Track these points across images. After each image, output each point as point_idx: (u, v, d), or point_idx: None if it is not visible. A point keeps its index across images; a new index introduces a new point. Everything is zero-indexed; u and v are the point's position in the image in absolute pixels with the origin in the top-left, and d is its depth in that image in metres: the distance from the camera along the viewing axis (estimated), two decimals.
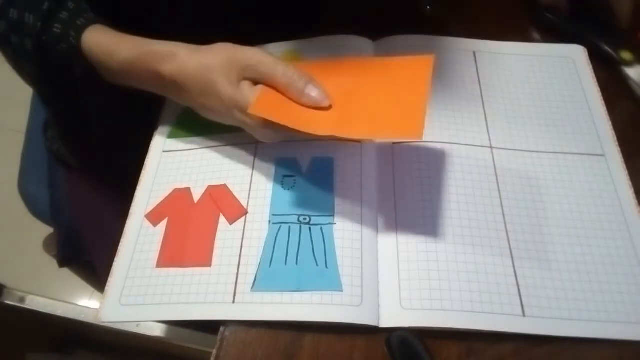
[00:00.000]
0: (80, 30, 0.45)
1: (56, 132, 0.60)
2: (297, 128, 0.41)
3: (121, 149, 0.58)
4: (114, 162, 0.60)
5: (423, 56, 0.45)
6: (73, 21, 0.45)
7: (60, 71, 0.47)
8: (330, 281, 0.42)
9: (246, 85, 0.43)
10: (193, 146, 0.52)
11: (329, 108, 0.43)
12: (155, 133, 0.54)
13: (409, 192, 0.47)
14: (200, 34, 0.46)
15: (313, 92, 0.43)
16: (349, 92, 0.44)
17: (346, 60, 0.48)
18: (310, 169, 0.48)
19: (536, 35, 0.61)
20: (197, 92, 0.45)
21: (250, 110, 0.42)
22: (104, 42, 0.45)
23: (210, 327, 0.42)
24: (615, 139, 0.51)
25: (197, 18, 0.56)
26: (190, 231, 0.46)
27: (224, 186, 0.49)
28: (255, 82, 0.44)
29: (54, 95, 0.50)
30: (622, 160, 0.50)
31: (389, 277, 0.43)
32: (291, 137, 0.46)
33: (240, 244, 0.45)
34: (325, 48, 0.57)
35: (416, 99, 0.41)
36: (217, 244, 0.45)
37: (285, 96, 0.43)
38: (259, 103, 0.42)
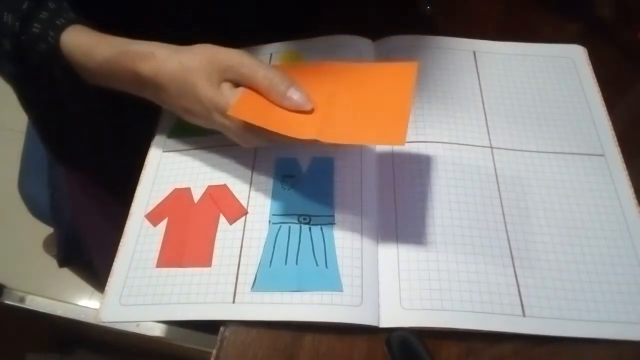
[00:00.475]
0: (60, 30, 0.44)
1: (38, 133, 0.59)
2: (277, 131, 0.40)
3: (117, 149, 0.57)
4: (113, 163, 0.60)
5: (407, 63, 0.44)
6: (52, 21, 0.44)
7: (40, 72, 0.46)
8: (330, 281, 0.42)
9: (226, 87, 0.42)
10: (193, 146, 0.52)
11: (311, 112, 0.42)
12: (155, 133, 0.54)
13: (409, 192, 0.47)
14: (197, 34, 0.45)
15: (295, 95, 0.42)
16: (332, 97, 0.43)
17: (331, 65, 0.47)
18: (310, 169, 0.48)
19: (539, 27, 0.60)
20: (175, 93, 0.44)
21: (230, 113, 0.41)
22: (82, 42, 0.45)
23: (210, 327, 0.42)
24: (615, 139, 0.51)
25: (195, 18, 0.56)
26: (190, 231, 0.46)
27: (224, 186, 0.49)
28: (237, 85, 0.43)
29: (34, 97, 0.49)
30: (622, 160, 0.50)
31: (389, 277, 0.43)
32: (272, 142, 0.45)
33: (240, 244, 0.45)
34: (325, 48, 0.57)
35: (399, 105, 0.41)
36: (217, 244, 0.45)
37: (267, 99, 0.42)
38: (239, 105, 0.41)
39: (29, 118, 0.52)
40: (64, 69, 0.46)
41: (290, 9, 0.60)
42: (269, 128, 0.40)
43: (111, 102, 0.51)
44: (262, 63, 0.43)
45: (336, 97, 0.43)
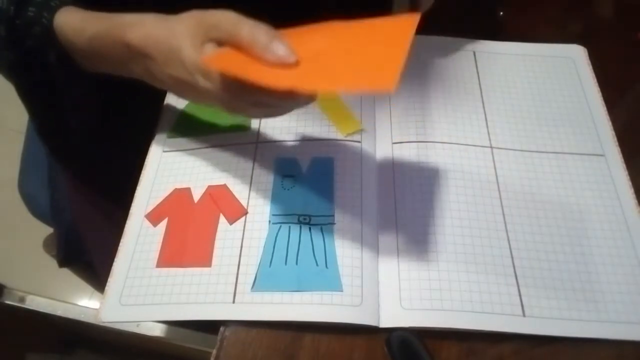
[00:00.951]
0: (53, 11, 0.43)
1: (34, 125, 0.58)
2: (256, 81, 0.36)
3: (119, 149, 0.57)
4: (113, 162, 0.60)
5: (408, 14, 0.40)
6: (47, 3, 0.44)
7: (35, 57, 0.45)
8: (330, 281, 0.42)
9: (209, 47, 0.39)
10: (193, 146, 0.52)
11: (294, 65, 0.38)
12: (155, 133, 0.54)
13: (409, 192, 0.47)
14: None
15: (278, 48, 0.38)
16: (320, 51, 0.39)
17: (324, 24, 0.43)
18: (310, 169, 0.48)
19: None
20: (162, 60, 0.42)
21: (205, 60, 0.38)
22: (73, 21, 0.44)
23: (210, 327, 0.42)
24: (615, 139, 0.51)
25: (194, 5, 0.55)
26: (190, 231, 0.46)
27: (224, 186, 0.49)
28: (220, 44, 0.40)
29: (29, 85, 0.48)
30: (622, 160, 0.50)
31: (389, 277, 0.43)
32: (258, 105, 0.41)
33: (240, 244, 0.45)
34: None
35: (393, 52, 0.36)
36: (217, 244, 0.45)
37: (250, 56, 0.38)
38: (216, 57, 0.38)
39: (26, 109, 0.52)
40: (58, 53, 0.45)
41: (291, 7, 0.60)
42: (247, 78, 0.36)
43: (110, 100, 0.51)
44: (247, 19, 0.40)
45: (324, 50, 0.40)
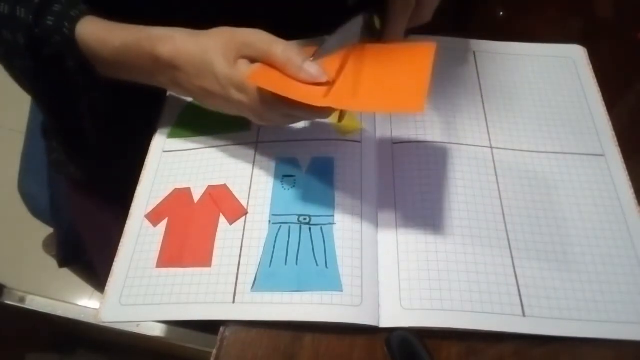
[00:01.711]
0: (74, 21, 0.44)
1: (52, 135, 0.59)
2: (294, 98, 0.39)
3: (120, 149, 0.57)
4: (113, 162, 0.60)
5: (425, 43, 0.44)
6: (67, 13, 0.44)
7: (53, 66, 0.46)
8: (330, 281, 0.42)
9: (243, 63, 0.42)
10: (193, 146, 0.52)
11: (327, 84, 0.41)
12: (155, 133, 0.54)
13: (409, 192, 0.47)
14: (189, 24, 0.45)
15: (311, 68, 0.41)
16: (350, 71, 0.43)
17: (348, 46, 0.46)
18: (310, 169, 0.48)
19: None
20: (193, 73, 0.44)
21: (249, 78, 0.41)
22: (98, 30, 0.45)
23: (210, 327, 0.42)
24: (615, 139, 0.51)
25: (194, 13, 0.55)
26: (190, 231, 0.46)
27: (224, 186, 0.49)
28: (253, 61, 0.43)
29: (46, 93, 0.49)
30: (622, 160, 0.50)
31: (389, 277, 0.43)
32: (290, 117, 0.45)
33: (240, 244, 0.45)
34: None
35: (418, 77, 0.40)
36: (217, 244, 0.45)
37: (283, 73, 0.42)
38: (257, 73, 0.41)
39: (42, 113, 0.52)
40: (78, 61, 0.46)
41: (294, 8, 0.60)
42: (287, 95, 0.39)
43: (112, 100, 0.51)
44: (278, 39, 0.43)
45: (353, 71, 0.43)
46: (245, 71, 0.42)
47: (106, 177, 0.64)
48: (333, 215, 0.45)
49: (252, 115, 0.44)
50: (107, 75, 0.48)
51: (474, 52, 0.58)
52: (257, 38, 0.42)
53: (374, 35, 0.49)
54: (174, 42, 0.44)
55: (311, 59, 0.42)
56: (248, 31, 0.43)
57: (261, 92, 0.41)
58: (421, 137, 0.50)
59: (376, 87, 0.42)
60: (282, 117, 0.44)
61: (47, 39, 0.44)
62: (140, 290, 0.43)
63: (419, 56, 0.43)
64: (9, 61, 0.47)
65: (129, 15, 0.47)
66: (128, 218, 0.49)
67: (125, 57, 0.46)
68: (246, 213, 0.47)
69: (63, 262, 0.72)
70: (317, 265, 0.43)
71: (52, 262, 0.73)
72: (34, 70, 0.46)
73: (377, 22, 0.49)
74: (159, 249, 0.46)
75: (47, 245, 0.81)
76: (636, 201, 0.47)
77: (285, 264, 0.43)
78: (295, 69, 0.41)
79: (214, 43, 0.43)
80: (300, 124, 0.51)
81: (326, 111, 0.42)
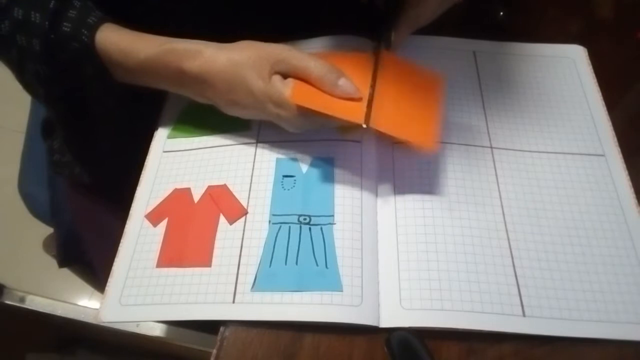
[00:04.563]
0: (93, 28, 0.44)
1: (60, 138, 0.59)
2: (335, 115, 0.43)
3: (120, 149, 0.57)
4: (113, 163, 0.60)
5: (435, 73, 0.49)
6: (84, 19, 0.44)
7: (70, 71, 0.46)
8: (330, 281, 0.42)
9: (277, 79, 0.44)
10: (193, 146, 0.52)
11: (359, 100, 0.45)
12: (155, 133, 0.54)
13: (408, 192, 0.47)
14: (197, 35, 0.45)
15: (345, 85, 0.44)
16: (378, 92, 0.46)
17: (362, 56, 0.50)
18: (310, 169, 0.48)
19: None
20: (224, 88, 0.45)
21: (292, 99, 0.43)
22: (119, 41, 0.45)
23: (210, 327, 0.42)
24: (615, 139, 0.51)
25: (195, 15, 0.56)
26: (190, 231, 0.46)
27: (224, 186, 0.49)
28: (285, 76, 0.45)
29: (61, 99, 0.49)
30: (622, 160, 0.50)
31: (389, 277, 0.43)
32: (323, 126, 0.48)
33: (240, 244, 0.45)
34: (325, 48, 0.57)
35: (431, 114, 0.46)
36: (217, 244, 0.45)
37: (318, 88, 0.44)
38: (297, 93, 0.44)
39: (53, 118, 0.52)
40: (97, 68, 0.46)
41: (291, 7, 0.60)
42: (328, 113, 0.43)
43: (125, 103, 0.51)
44: (309, 54, 0.45)
45: (379, 92, 0.46)
46: (281, 87, 0.44)
47: (106, 178, 0.64)
48: (333, 215, 0.45)
49: (287, 125, 0.47)
50: (125, 82, 0.48)
51: (474, 52, 0.58)
52: (290, 54, 0.44)
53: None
54: (203, 57, 0.45)
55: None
56: (279, 47, 0.45)
57: (301, 108, 0.44)
58: None
59: (398, 112, 0.46)
60: (318, 126, 0.48)
61: (65, 45, 0.44)
62: (140, 290, 0.43)
63: (431, 84, 0.48)
64: (22, 66, 0.47)
65: (134, 21, 0.47)
66: (128, 218, 0.49)
67: (151, 69, 0.46)
68: (246, 213, 0.47)
69: (63, 262, 0.72)
70: (317, 265, 0.43)
71: (52, 262, 0.73)
72: (50, 75, 0.46)
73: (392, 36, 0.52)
74: (159, 249, 0.46)
75: (47, 245, 0.81)
76: (636, 201, 0.47)
77: (285, 264, 0.43)
78: (331, 85, 0.44)
79: (246, 58, 0.44)
80: None
81: (356, 126, 0.44)
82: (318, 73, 0.44)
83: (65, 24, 0.44)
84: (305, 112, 0.44)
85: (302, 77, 0.45)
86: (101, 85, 0.48)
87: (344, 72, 0.45)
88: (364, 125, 0.42)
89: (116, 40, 0.45)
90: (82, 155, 0.59)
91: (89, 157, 0.59)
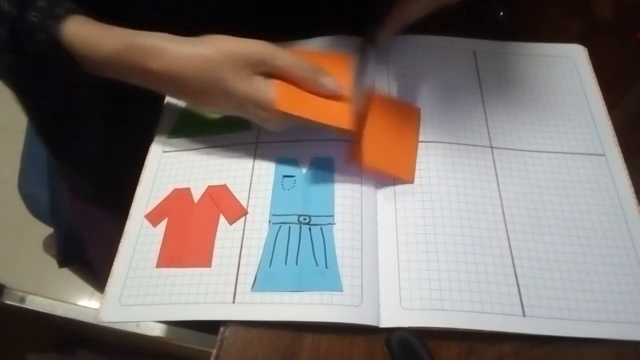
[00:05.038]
0: (60, 19, 0.43)
1: (36, 130, 0.57)
2: (321, 122, 0.43)
3: (119, 150, 0.57)
4: (113, 163, 0.60)
5: (411, 106, 0.52)
6: (52, 10, 0.43)
7: (36, 63, 0.44)
8: (330, 281, 0.42)
9: (260, 80, 0.43)
10: (193, 146, 0.52)
11: (342, 98, 0.45)
12: (155, 133, 0.54)
13: (408, 192, 0.47)
14: (197, 29, 0.45)
15: (329, 83, 0.44)
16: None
17: (343, 55, 0.50)
18: (310, 169, 0.48)
19: None
20: (198, 88, 0.43)
21: (277, 107, 0.42)
22: (85, 34, 0.43)
23: (210, 327, 0.42)
24: (616, 138, 0.51)
25: (195, 15, 0.55)
26: (190, 231, 0.46)
27: (224, 186, 0.49)
28: (266, 75, 0.44)
29: (29, 91, 0.48)
30: (622, 160, 0.50)
31: (389, 277, 0.43)
32: (307, 126, 0.47)
33: (240, 244, 0.45)
34: (325, 48, 0.57)
35: (410, 147, 0.48)
36: (217, 244, 0.45)
37: (301, 88, 0.44)
38: (281, 98, 0.43)
39: (23, 110, 0.51)
40: (65, 60, 0.44)
41: (290, 6, 0.60)
42: (314, 119, 0.43)
43: (110, 100, 0.51)
44: (289, 52, 0.44)
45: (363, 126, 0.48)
46: (264, 89, 0.43)
47: (106, 177, 0.64)
48: (333, 215, 0.45)
49: (268, 125, 0.46)
50: (101, 76, 0.46)
51: (474, 52, 0.58)
52: (272, 55, 0.43)
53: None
54: (168, 55, 0.43)
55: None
56: (258, 46, 0.43)
57: (284, 113, 0.43)
58: (421, 137, 0.50)
59: (381, 148, 0.48)
60: (300, 126, 0.46)
61: (31, 35, 0.43)
62: (140, 290, 0.43)
63: (407, 122, 0.50)
64: None
65: (117, 16, 0.46)
66: (128, 218, 0.49)
67: (117, 64, 0.44)
68: (246, 213, 0.47)
69: (63, 262, 0.72)
70: (317, 265, 0.43)
71: (52, 262, 0.73)
72: (17, 67, 0.44)
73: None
74: (159, 249, 0.46)
75: (47, 245, 0.81)
76: (636, 201, 0.47)
77: (285, 264, 0.43)
78: (314, 83, 0.43)
79: (221, 55, 0.42)
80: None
81: (338, 130, 0.44)
82: (302, 74, 0.43)
83: (33, 13, 0.42)
84: (288, 116, 0.43)
85: (285, 78, 0.44)
86: (73, 77, 0.46)
87: (326, 70, 0.45)
88: (349, 129, 0.43)
89: (81, 33, 0.43)
90: (64, 160, 0.57)
91: (73, 164, 0.57)
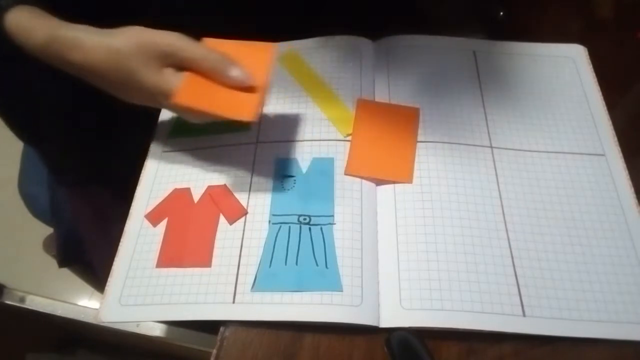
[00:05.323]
0: (4, 9, 0.43)
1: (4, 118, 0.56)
2: (220, 114, 0.42)
3: (117, 150, 0.57)
4: (113, 163, 0.60)
5: (410, 107, 0.52)
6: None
7: None
8: (330, 281, 0.42)
9: (170, 72, 0.43)
10: (193, 146, 0.52)
11: (252, 90, 0.43)
12: (155, 133, 0.54)
13: (408, 191, 0.47)
14: (195, 28, 0.45)
15: (238, 74, 0.43)
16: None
17: (260, 45, 0.47)
18: (310, 169, 0.48)
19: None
20: (114, 79, 0.44)
21: (175, 100, 0.42)
22: (22, 23, 0.44)
23: (210, 327, 0.42)
24: (616, 138, 0.51)
25: (193, 14, 0.55)
26: (190, 231, 0.46)
27: (224, 186, 0.49)
28: (178, 67, 0.43)
29: None
30: (622, 160, 0.50)
31: (389, 277, 0.43)
32: (213, 119, 0.46)
33: (240, 244, 0.45)
34: (325, 48, 0.57)
35: (408, 149, 0.49)
36: (217, 244, 0.45)
37: (210, 79, 0.43)
38: (184, 91, 0.42)
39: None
40: (12, 51, 0.44)
41: (290, 8, 0.60)
42: (213, 112, 0.42)
43: (109, 100, 0.50)
44: (199, 45, 0.44)
45: (356, 134, 0.49)
46: (174, 81, 0.43)
47: (106, 177, 0.64)
48: (333, 215, 0.45)
49: (185, 116, 0.46)
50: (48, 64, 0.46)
51: (474, 52, 0.58)
52: (179, 47, 0.43)
53: None
54: (84, 48, 0.43)
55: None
56: (168, 37, 0.43)
57: (184, 105, 0.43)
58: (421, 137, 0.50)
59: (376, 155, 0.49)
60: (209, 120, 0.46)
61: None
62: (140, 290, 0.43)
63: (405, 124, 0.50)
64: None
65: (131, 19, 0.46)
66: (128, 218, 0.49)
67: (46, 55, 0.44)
68: (246, 213, 0.47)
69: (63, 262, 0.72)
70: (317, 265, 0.43)
71: (52, 262, 0.73)
72: None
73: None
74: (159, 249, 0.46)
75: (47, 245, 0.80)
76: (636, 201, 0.47)
77: (285, 264, 0.43)
78: (222, 75, 0.43)
79: (131, 46, 0.42)
80: (301, 124, 0.51)
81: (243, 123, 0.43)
82: (208, 64, 0.43)
83: None
84: (191, 109, 0.43)
85: (194, 69, 0.43)
86: (21, 66, 0.46)
87: (240, 61, 0.44)
88: (250, 120, 0.42)
89: (19, 23, 0.43)
90: (25, 133, 0.58)
91: (33, 135, 0.58)
